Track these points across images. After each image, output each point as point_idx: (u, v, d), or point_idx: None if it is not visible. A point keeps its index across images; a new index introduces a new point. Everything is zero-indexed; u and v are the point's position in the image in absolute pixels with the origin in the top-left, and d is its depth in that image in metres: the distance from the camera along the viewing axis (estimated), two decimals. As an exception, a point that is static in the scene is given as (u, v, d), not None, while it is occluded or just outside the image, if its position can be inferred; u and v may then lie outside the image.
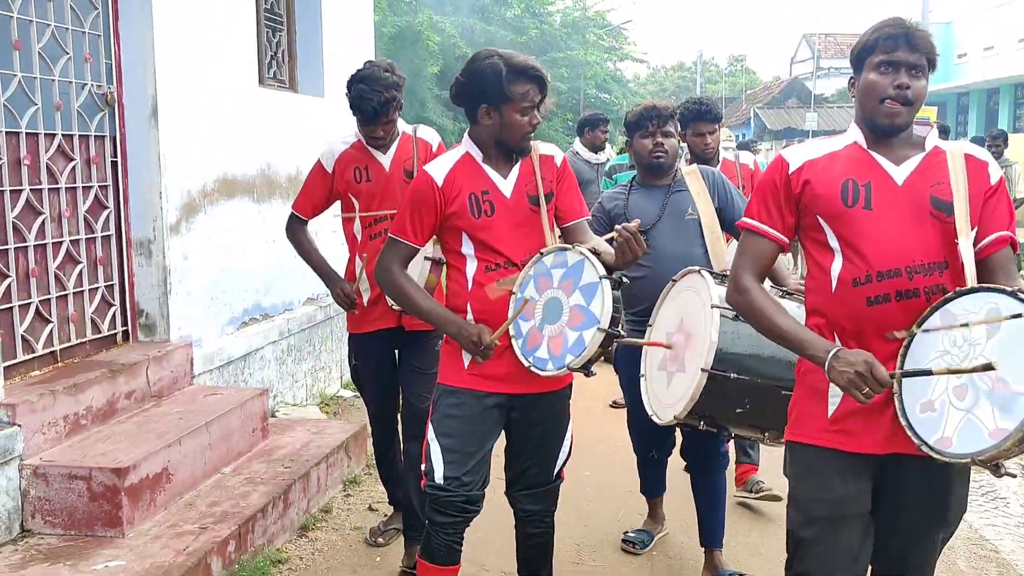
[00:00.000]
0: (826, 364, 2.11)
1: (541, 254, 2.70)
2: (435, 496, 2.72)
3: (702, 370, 2.79)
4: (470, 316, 2.73)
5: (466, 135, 2.83)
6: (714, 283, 2.93)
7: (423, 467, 2.79)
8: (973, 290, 2.09)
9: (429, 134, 3.81)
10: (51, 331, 3.83)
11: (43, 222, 3.78)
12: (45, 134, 3.80)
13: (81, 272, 4.01)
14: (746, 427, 3.05)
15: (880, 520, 2.29)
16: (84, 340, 4.04)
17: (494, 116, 2.68)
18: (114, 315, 4.25)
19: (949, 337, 2.07)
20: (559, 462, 2.93)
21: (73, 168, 3.97)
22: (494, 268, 2.72)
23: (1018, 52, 22.47)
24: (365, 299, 3.60)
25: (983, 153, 2.29)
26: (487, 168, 2.76)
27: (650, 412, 3.10)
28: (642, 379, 3.22)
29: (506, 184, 2.75)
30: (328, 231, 4.35)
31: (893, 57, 2.18)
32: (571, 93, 17.64)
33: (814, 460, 2.27)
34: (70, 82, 3.95)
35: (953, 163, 2.24)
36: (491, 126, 2.70)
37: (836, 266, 2.23)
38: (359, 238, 3.63)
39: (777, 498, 4.07)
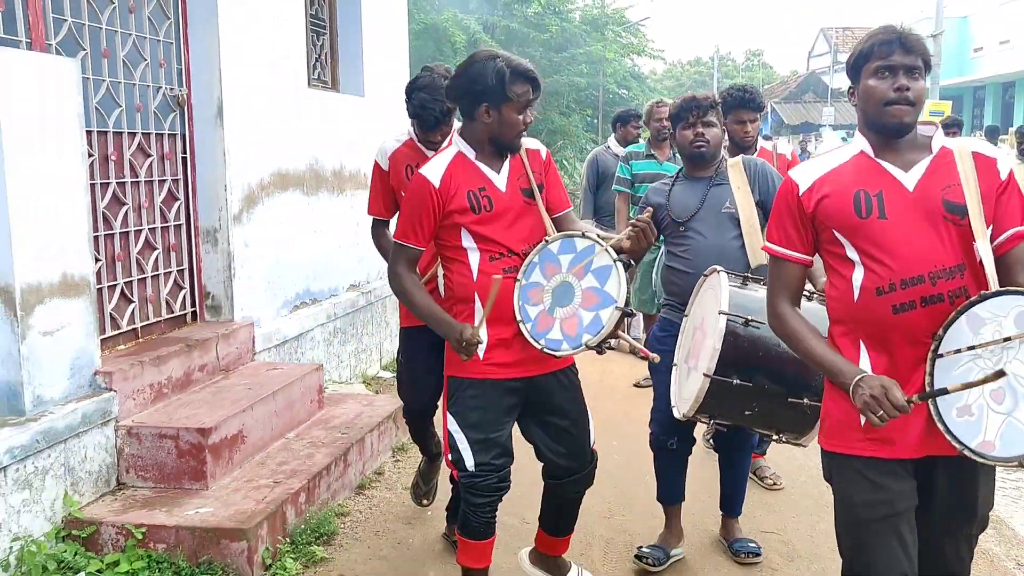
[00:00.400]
0: (851, 389, 2.18)
1: (546, 241, 2.86)
2: (470, 482, 2.90)
3: (704, 375, 2.95)
4: (477, 304, 2.87)
5: (456, 134, 2.99)
6: (729, 287, 3.04)
7: (450, 456, 2.95)
8: (999, 293, 2.11)
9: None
10: (133, 310, 4.26)
11: (126, 212, 4.21)
12: (128, 133, 4.23)
13: (157, 258, 4.44)
14: (759, 426, 3.18)
15: (916, 518, 2.34)
16: (160, 319, 4.48)
17: (493, 115, 2.84)
18: (184, 297, 4.68)
19: (980, 339, 2.09)
20: (592, 435, 3.09)
21: (150, 163, 4.39)
22: (498, 257, 2.86)
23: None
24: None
25: (991, 149, 2.31)
26: (480, 165, 2.90)
27: (673, 403, 3.27)
28: (675, 368, 3.35)
29: (500, 179, 2.90)
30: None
31: (890, 62, 2.23)
32: (590, 89, 17.95)
33: (857, 467, 2.31)
34: (148, 86, 4.38)
35: (962, 163, 2.25)
36: (488, 124, 2.85)
37: (858, 276, 2.26)
38: None
39: (780, 487, 4.39)
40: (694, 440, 3.70)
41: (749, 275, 3.22)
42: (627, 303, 2.72)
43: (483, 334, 2.84)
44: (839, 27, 51.24)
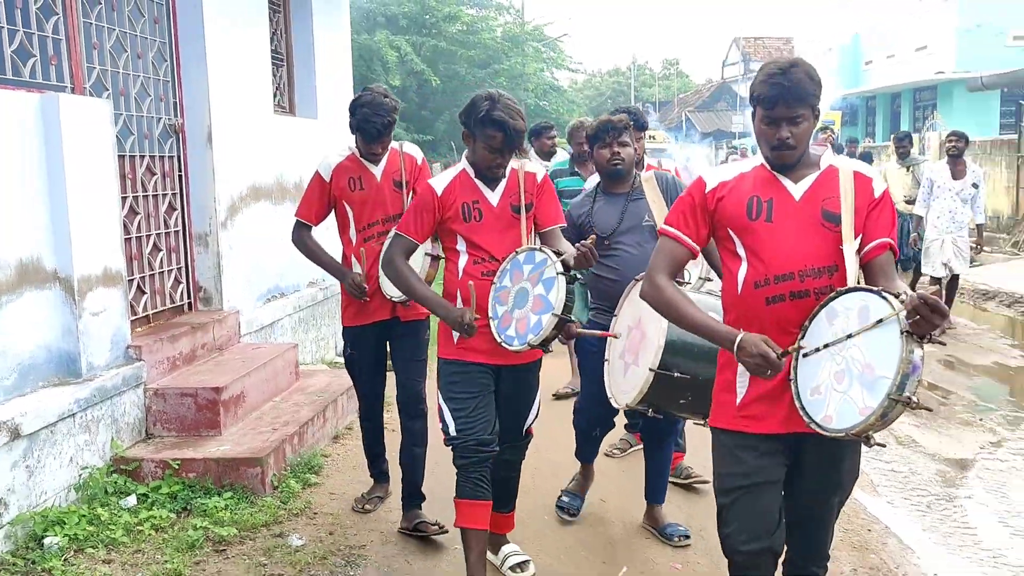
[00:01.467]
0: (734, 345, 2.49)
1: (516, 252, 3.28)
2: (454, 445, 3.37)
3: (650, 370, 3.33)
4: (459, 299, 3.36)
5: (464, 155, 3.50)
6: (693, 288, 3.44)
7: (440, 426, 3.42)
8: (850, 290, 2.41)
9: (413, 150, 4.38)
10: (145, 300, 5.24)
11: (139, 221, 5.19)
12: (139, 156, 5.21)
13: (161, 258, 5.42)
14: (687, 413, 3.56)
15: (789, 487, 2.69)
16: (165, 308, 5.46)
17: (470, 143, 3.36)
18: (182, 290, 5.67)
19: (831, 330, 2.40)
20: (528, 420, 3.60)
21: (155, 181, 5.38)
22: (480, 261, 3.33)
23: (916, 59, 24.67)
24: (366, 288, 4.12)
25: (869, 170, 2.64)
26: (478, 182, 3.39)
27: (610, 394, 3.65)
28: (605, 363, 3.74)
29: (493, 196, 3.38)
30: (322, 229, 5.82)
31: (773, 115, 2.52)
32: (513, 102, 19.26)
33: (729, 441, 2.66)
34: (152, 117, 5.37)
35: (843, 180, 2.56)
36: (470, 149, 3.38)
37: (742, 271, 2.60)
38: (354, 241, 4.19)
39: (706, 481, 4.59)
40: (613, 424, 4.23)
41: (680, 280, 3.36)
42: (566, 311, 3.11)
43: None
44: (751, 36, 53.64)
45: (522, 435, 3.61)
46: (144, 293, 5.23)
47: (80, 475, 4.17)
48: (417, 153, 4.40)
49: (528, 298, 3.19)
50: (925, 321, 2.18)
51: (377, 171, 4.15)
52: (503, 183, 3.40)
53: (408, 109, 14.56)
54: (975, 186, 8.89)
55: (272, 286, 6.68)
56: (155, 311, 5.34)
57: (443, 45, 16.61)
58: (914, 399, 2.22)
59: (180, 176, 5.67)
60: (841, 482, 2.69)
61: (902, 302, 2.26)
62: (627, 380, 3.52)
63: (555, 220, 3.49)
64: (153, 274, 5.33)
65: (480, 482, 3.37)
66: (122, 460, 4.41)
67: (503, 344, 3.23)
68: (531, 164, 3.47)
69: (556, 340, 3.24)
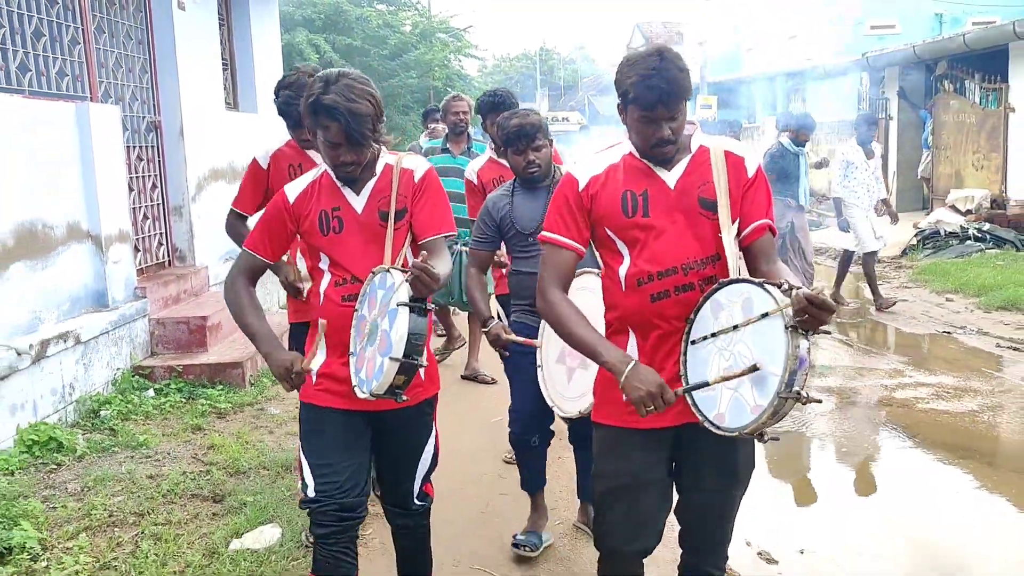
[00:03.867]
0: (622, 376, 2.30)
1: (373, 273, 2.62)
2: (309, 509, 2.68)
3: None
4: (321, 333, 2.72)
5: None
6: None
7: (299, 484, 2.77)
8: (733, 281, 2.31)
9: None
10: (139, 257, 6.90)
11: (133, 196, 6.84)
12: (131, 147, 6.86)
13: (148, 225, 7.08)
14: None
15: (684, 482, 2.58)
16: (152, 263, 7.12)
17: (315, 135, 2.67)
18: (164, 250, 7.34)
19: (716, 323, 2.31)
20: (417, 480, 2.89)
21: (143, 166, 7.03)
22: (342, 283, 2.68)
23: (791, 46, 27.24)
24: (305, 290, 3.61)
25: (741, 148, 2.48)
26: (341, 186, 2.72)
27: (551, 404, 3.34)
28: (539, 370, 3.40)
29: (358, 200, 2.71)
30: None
31: (652, 115, 2.33)
32: (422, 90, 20.93)
33: (614, 438, 2.51)
34: (139, 116, 7.01)
35: (715, 161, 2.42)
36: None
37: (623, 268, 2.44)
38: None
39: None
40: (552, 433, 3.86)
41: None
42: (411, 351, 2.45)
43: (316, 363, 2.70)
44: (653, 21, 56.12)
45: (413, 499, 2.92)
46: (139, 251, 6.89)
47: (114, 374, 5.86)
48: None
49: (378, 333, 2.54)
50: (813, 319, 2.10)
51: (318, 157, 3.58)
52: (371, 184, 2.73)
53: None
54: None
55: (229, 249, 8.35)
56: (146, 265, 7.00)
57: (356, 43, 18.20)
58: (804, 394, 2.14)
59: (159, 161, 7.32)
60: (738, 473, 2.56)
61: (785, 292, 2.17)
62: (574, 387, 3.21)
63: (436, 228, 2.75)
64: (143, 237, 6.99)
65: (342, 557, 2.69)
66: (139, 368, 6.11)
67: (356, 389, 2.58)
68: (411, 158, 2.82)
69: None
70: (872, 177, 9.02)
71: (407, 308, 2.46)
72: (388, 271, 2.57)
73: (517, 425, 3.81)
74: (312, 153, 3.74)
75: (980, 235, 11.28)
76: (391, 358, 2.44)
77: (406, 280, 2.44)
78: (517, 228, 3.71)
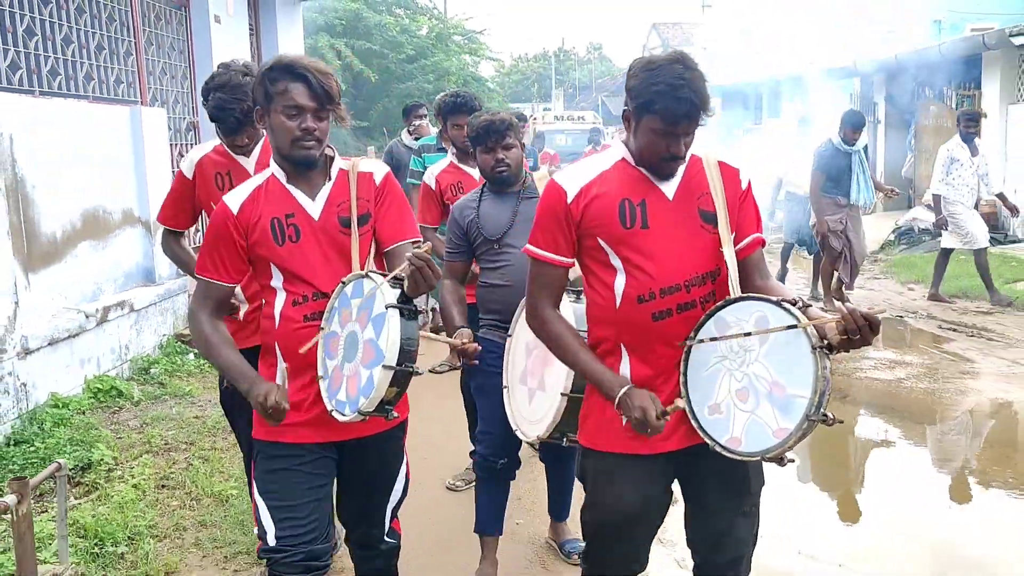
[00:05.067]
0: (616, 400, 2.24)
1: (343, 283, 2.43)
2: (272, 559, 2.46)
3: (562, 394, 2.82)
4: (279, 356, 2.49)
5: (272, 158, 2.55)
6: (569, 301, 2.84)
7: (256, 531, 2.58)
8: (742, 298, 2.22)
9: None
10: (180, 241, 7.87)
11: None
12: (174, 144, 7.83)
13: (188, 213, 8.07)
14: None
15: (693, 506, 2.48)
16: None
17: (265, 120, 2.44)
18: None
19: (726, 345, 2.22)
20: (388, 513, 2.71)
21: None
22: (302, 301, 2.44)
23: (796, 50, 28.05)
24: (241, 312, 3.31)
25: (734, 160, 2.41)
26: (292, 189, 2.48)
27: (514, 426, 3.11)
28: (505, 391, 3.21)
29: (314, 206, 2.48)
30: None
31: (674, 130, 2.20)
32: (437, 94, 21.94)
33: (612, 466, 2.37)
34: (180, 118, 7.99)
35: (710, 172, 2.34)
36: (269, 134, 2.48)
37: (620, 284, 2.30)
38: None
39: None
40: (519, 462, 3.60)
41: (581, 289, 2.91)
42: (404, 358, 2.27)
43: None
44: (670, 22, 56.82)
45: (382, 536, 2.72)
46: (179, 236, 7.86)
47: (160, 339, 6.83)
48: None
49: (358, 346, 2.36)
50: (862, 339, 2.03)
51: (250, 163, 3.38)
52: (327, 188, 2.51)
53: (344, 99, 17.13)
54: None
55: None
56: (186, 248, 7.98)
57: (375, 48, 19.18)
58: (830, 416, 2.09)
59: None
60: (750, 486, 2.45)
61: (801, 309, 2.11)
62: (534, 409, 3.02)
63: (403, 234, 2.60)
64: (184, 224, 7.97)
65: None
66: (181, 335, 7.05)
67: (334, 414, 2.39)
68: (367, 162, 2.66)
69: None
70: (974, 175, 8.75)
71: (397, 311, 2.28)
72: (367, 276, 2.38)
73: (486, 447, 3.52)
74: (243, 161, 3.39)
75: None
76: (384, 367, 2.24)
77: (404, 274, 2.28)
78: (484, 235, 3.48)
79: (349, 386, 2.36)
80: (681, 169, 2.34)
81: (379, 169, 2.63)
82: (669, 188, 2.33)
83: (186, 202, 3.51)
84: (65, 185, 5.79)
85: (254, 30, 10.01)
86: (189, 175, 3.46)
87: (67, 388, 5.45)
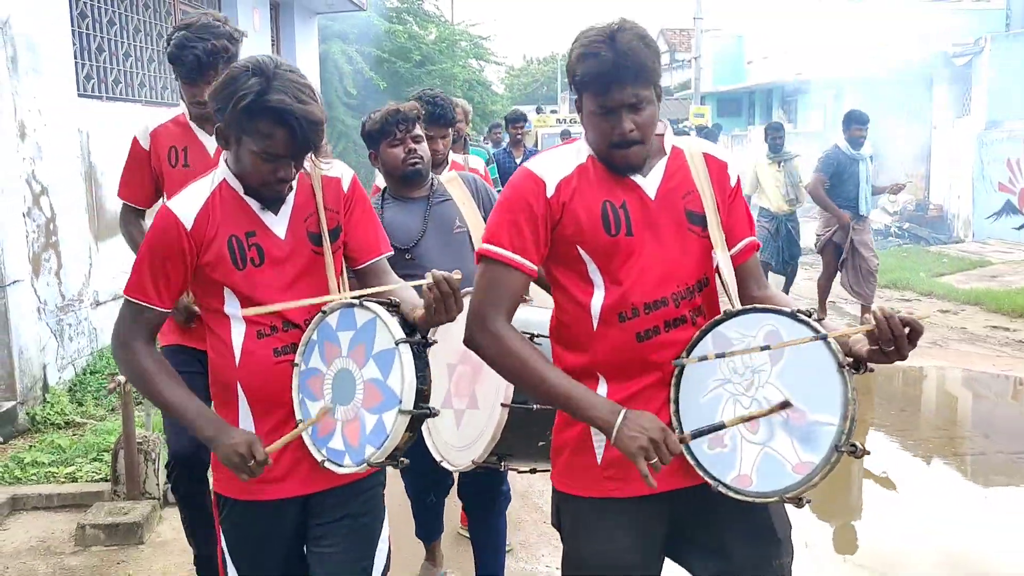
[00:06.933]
0: (614, 428, 1.82)
1: (324, 312, 2.07)
2: None
3: (502, 405, 2.48)
4: (242, 399, 2.09)
5: (222, 157, 2.11)
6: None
7: None
8: (746, 311, 1.91)
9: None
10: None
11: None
12: (208, 141, 9.20)
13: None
14: (545, 461, 2.41)
15: (709, 561, 2.02)
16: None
17: (232, 145, 2.02)
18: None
19: (729, 365, 1.88)
20: (375, 560, 2.23)
21: (214, 155, 9.40)
22: (269, 333, 2.06)
23: (784, 61, 29.19)
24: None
25: (721, 152, 2.09)
26: (251, 202, 2.06)
27: (439, 458, 2.75)
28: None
29: (278, 221, 2.08)
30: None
31: (608, 102, 1.86)
32: (444, 100, 23.22)
33: (592, 512, 1.99)
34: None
35: (695, 167, 2.01)
36: (232, 154, 2.04)
37: (597, 301, 1.94)
38: None
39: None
40: (451, 482, 3.34)
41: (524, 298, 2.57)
42: (421, 399, 1.96)
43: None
44: (676, 28, 58.06)
45: None
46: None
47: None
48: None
49: (355, 386, 2.03)
50: (897, 351, 1.71)
51: (212, 143, 2.96)
52: (289, 199, 2.12)
53: (354, 102, 18.36)
54: None
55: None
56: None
57: (385, 55, 20.44)
58: (859, 446, 1.76)
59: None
60: (776, 532, 2.01)
61: (818, 320, 1.81)
62: (465, 432, 2.69)
63: (377, 248, 2.27)
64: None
65: None
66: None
67: (328, 464, 2.05)
68: (330, 164, 2.24)
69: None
70: None
71: (407, 346, 1.96)
72: (361, 305, 2.03)
73: (411, 480, 3.30)
74: (205, 138, 3.02)
75: (900, 232, 13.42)
76: (401, 411, 1.93)
77: (432, 295, 1.93)
78: (393, 244, 2.85)
79: (347, 433, 2.02)
80: (662, 163, 2.00)
81: (345, 173, 2.24)
82: (650, 186, 1.97)
83: (145, 176, 3.12)
84: (124, 173, 7.16)
85: (275, 41, 11.39)
86: (144, 145, 3.10)
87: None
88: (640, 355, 1.95)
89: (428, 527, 3.55)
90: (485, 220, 2.99)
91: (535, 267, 1.97)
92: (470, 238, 3.13)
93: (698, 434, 1.87)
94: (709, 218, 2.00)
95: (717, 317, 1.95)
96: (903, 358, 1.72)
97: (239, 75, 1.94)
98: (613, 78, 1.84)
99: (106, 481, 4.33)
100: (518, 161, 8.69)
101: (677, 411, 1.94)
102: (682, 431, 1.91)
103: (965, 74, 14.30)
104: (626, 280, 1.94)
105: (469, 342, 2.00)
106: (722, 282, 2.01)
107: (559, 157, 2.01)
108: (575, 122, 34.82)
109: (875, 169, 8.28)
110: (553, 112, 38.86)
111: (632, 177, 1.97)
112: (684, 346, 1.95)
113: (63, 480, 4.51)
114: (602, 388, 1.98)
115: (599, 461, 1.98)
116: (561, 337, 2.06)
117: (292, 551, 2.23)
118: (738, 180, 2.09)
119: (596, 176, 1.98)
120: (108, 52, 7.23)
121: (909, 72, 14.81)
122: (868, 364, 1.80)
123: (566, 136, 18.68)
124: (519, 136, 9.07)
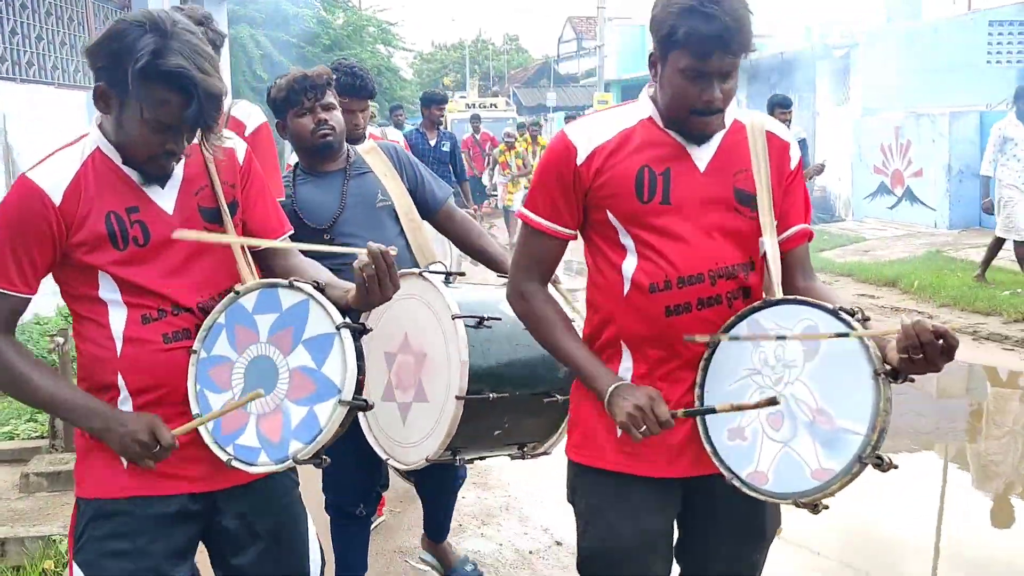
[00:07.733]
0: (605, 396, 1.85)
1: (236, 293, 1.87)
2: None
3: (457, 398, 2.31)
4: (124, 394, 1.85)
5: (93, 121, 1.85)
6: (445, 288, 2.42)
7: None
8: (786, 301, 1.84)
9: (245, 112, 3.16)
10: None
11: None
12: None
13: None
14: (503, 447, 2.56)
15: (697, 547, 2.06)
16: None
17: (114, 108, 1.75)
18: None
19: (760, 355, 1.83)
20: (310, 554, 2.07)
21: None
22: (157, 317, 1.83)
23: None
24: None
25: (784, 131, 2.01)
26: (131, 173, 1.82)
27: (385, 457, 2.57)
28: (363, 416, 2.58)
29: (165, 195, 1.85)
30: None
31: (705, 67, 1.77)
32: (352, 84, 23.38)
33: (614, 487, 1.96)
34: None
35: (755, 144, 1.93)
36: (113, 120, 1.78)
37: (629, 267, 1.91)
38: None
39: None
40: (380, 496, 3.21)
41: (450, 272, 2.59)
42: (360, 390, 1.80)
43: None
44: (584, 16, 59.02)
45: None
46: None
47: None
48: (250, 117, 3.10)
49: (276, 375, 1.84)
50: (928, 362, 1.61)
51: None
52: (178, 173, 1.88)
53: (263, 86, 18.42)
54: None
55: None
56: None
57: (293, 40, 20.49)
58: (885, 459, 1.68)
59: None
60: (765, 531, 2.04)
61: (860, 321, 1.72)
62: (415, 427, 2.47)
63: (279, 228, 2.08)
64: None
65: None
66: None
67: (236, 463, 1.83)
68: (224, 138, 1.96)
69: None
70: None
71: (348, 331, 1.80)
72: (291, 285, 1.86)
73: (336, 493, 2.98)
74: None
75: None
76: (341, 401, 1.77)
77: (359, 276, 1.79)
78: (308, 224, 2.83)
79: (265, 427, 1.84)
80: (719, 136, 1.92)
81: (239, 145, 2.02)
82: (702, 157, 1.91)
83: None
84: (41, 151, 7.28)
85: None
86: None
87: (46, 310, 7.02)
88: (668, 330, 1.90)
89: (352, 558, 3.04)
90: (410, 192, 2.96)
91: (572, 232, 1.99)
92: (395, 212, 2.94)
93: (688, 415, 1.85)
94: (760, 200, 1.92)
95: (755, 304, 1.90)
96: (937, 369, 1.62)
97: (130, 29, 1.69)
98: (719, 43, 1.75)
99: (43, 438, 4.63)
100: (432, 143, 8.65)
101: (702, 395, 1.90)
102: (704, 418, 1.90)
103: (845, 65, 15.36)
104: (661, 250, 1.90)
105: (509, 299, 2.08)
106: (767, 268, 1.93)
107: (604, 121, 1.97)
108: (483, 107, 35.44)
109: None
110: (462, 98, 39.36)
111: (686, 146, 1.91)
112: (715, 326, 1.89)
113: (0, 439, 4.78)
114: (626, 361, 1.97)
115: (618, 435, 1.95)
116: (592, 301, 2.04)
117: (173, 564, 1.89)
118: (799, 163, 2.02)
119: (645, 140, 1.92)
120: (21, 35, 7.36)
121: (796, 62, 15.81)
122: (908, 374, 1.69)
123: (475, 120, 19.06)
124: (440, 118, 8.93)
